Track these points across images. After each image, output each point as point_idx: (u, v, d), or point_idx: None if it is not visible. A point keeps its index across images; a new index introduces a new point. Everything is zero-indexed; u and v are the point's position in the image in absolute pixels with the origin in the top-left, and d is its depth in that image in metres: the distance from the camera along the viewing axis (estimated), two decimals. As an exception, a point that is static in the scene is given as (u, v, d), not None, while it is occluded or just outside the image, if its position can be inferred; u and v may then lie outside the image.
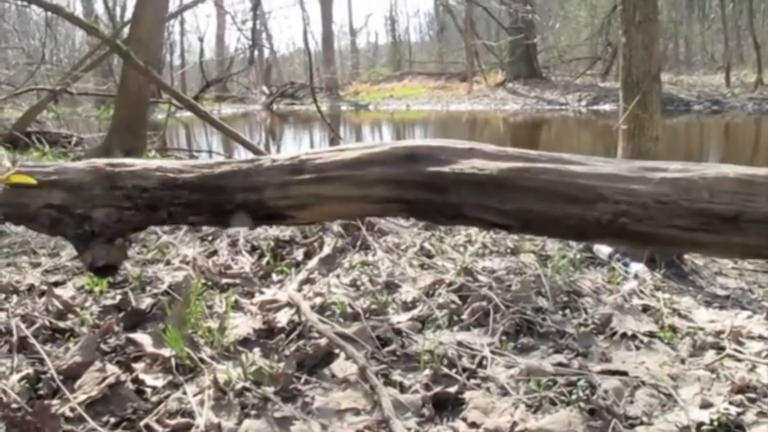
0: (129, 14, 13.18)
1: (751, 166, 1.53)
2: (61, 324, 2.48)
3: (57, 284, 2.93)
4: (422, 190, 1.67)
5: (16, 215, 1.97)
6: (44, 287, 2.82)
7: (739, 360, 2.29)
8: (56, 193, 1.88)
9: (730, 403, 1.99)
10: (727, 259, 3.96)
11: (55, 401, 1.94)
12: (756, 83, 18.80)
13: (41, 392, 2.00)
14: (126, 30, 8.67)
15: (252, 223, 1.91)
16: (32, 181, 1.83)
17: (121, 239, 1.90)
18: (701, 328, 2.59)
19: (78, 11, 22.39)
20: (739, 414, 1.94)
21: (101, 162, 1.95)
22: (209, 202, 1.86)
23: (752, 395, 2.04)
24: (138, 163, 1.94)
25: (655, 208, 1.47)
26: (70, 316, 2.58)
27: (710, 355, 2.33)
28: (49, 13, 9.98)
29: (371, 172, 1.72)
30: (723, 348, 2.37)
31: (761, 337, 2.50)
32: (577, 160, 1.62)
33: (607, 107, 18.32)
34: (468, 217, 1.67)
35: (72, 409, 1.90)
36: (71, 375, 2.06)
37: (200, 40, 22.64)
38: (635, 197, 1.49)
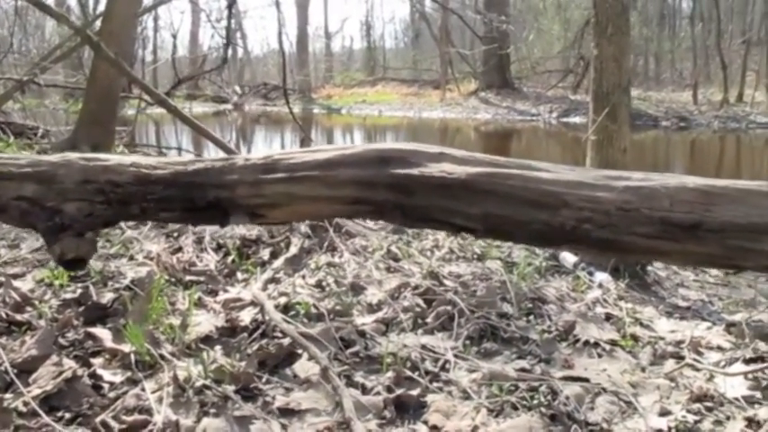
0: (101, 7, 13.01)
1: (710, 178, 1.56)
2: (18, 317, 2.43)
3: (15, 276, 2.87)
4: (391, 192, 1.68)
5: None
6: (2, 279, 2.76)
7: (698, 370, 2.32)
8: (28, 186, 1.87)
9: (688, 411, 2.02)
10: (685, 267, 4.02)
11: (8, 395, 1.89)
12: (722, 101, 19.19)
13: (-6, 386, 1.95)
14: (98, 23, 8.54)
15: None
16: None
17: (91, 233, 1.88)
18: (662, 338, 2.62)
19: (50, 2, 22.03)
20: (696, 422, 1.97)
21: (74, 156, 1.95)
22: (182, 199, 1.85)
23: (709, 404, 2.07)
24: (112, 158, 1.94)
25: (617, 215, 1.49)
26: (28, 309, 2.52)
27: (670, 365, 2.36)
28: (19, 2, 9.81)
29: (342, 173, 1.73)
30: (683, 358, 2.40)
31: (719, 348, 2.54)
32: (544, 167, 1.64)
33: (577, 119, 18.53)
34: (435, 220, 1.68)
35: (25, 404, 1.85)
36: (26, 369, 2.01)
37: (174, 36, 22.44)
38: (598, 204, 1.51)
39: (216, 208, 1.85)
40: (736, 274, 3.92)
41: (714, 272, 4.05)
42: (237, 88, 27.48)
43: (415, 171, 1.67)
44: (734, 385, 2.17)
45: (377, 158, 1.74)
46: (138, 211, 1.89)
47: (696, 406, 2.06)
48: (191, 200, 1.85)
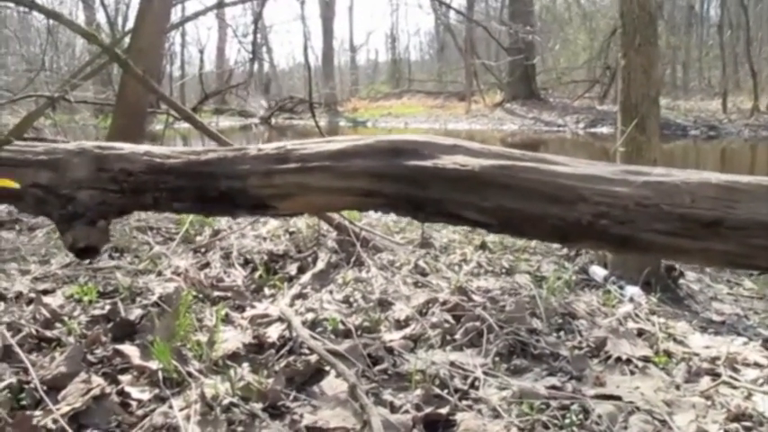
0: (130, 24, 13.20)
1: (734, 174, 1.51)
2: (48, 333, 2.44)
3: (45, 293, 2.89)
4: (403, 184, 1.65)
5: (3, 193, 1.95)
6: (32, 295, 2.78)
7: (735, 387, 2.26)
8: (43, 173, 1.89)
9: (726, 431, 1.96)
10: (718, 281, 3.94)
11: (37, 412, 1.90)
12: (752, 109, 18.91)
13: (24, 403, 1.96)
14: (127, 39, 8.67)
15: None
16: (14, 185, 1.80)
17: (104, 222, 1.89)
18: (697, 354, 2.56)
19: (80, 19, 22.44)
20: (735, 443, 1.92)
21: (89, 144, 1.96)
22: (194, 189, 1.84)
23: (747, 424, 2.01)
24: (126, 147, 1.94)
25: (636, 211, 1.45)
26: (57, 325, 2.53)
27: (706, 382, 2.30)
28: (51, 21, 9.98)
29: (354, 164, 1.70)
30: (719, 375, 2.34)
31: (756, 365, 2.47)
32: (561, 161, 1.60)
33: (604, 130, 18.38)
34: (448, 214, 1.65)
35: (54, 421, 1.86)
36: (55, 386, 2.02)
37: (201, 51, 22.78)
38: (616, 199, 1.47)
39: (228, 198, 1.83)
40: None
41: (749, 285, 3.96)
42: (264, 102, 27.69)
43: (428, 163, 1.63)
44: (773, 404, 2.10)
45: (390, 150, 1.71)
46: (150, 200, 1.89)
47: (734, 426, 2.00)
48: (203, 190, 1.84)
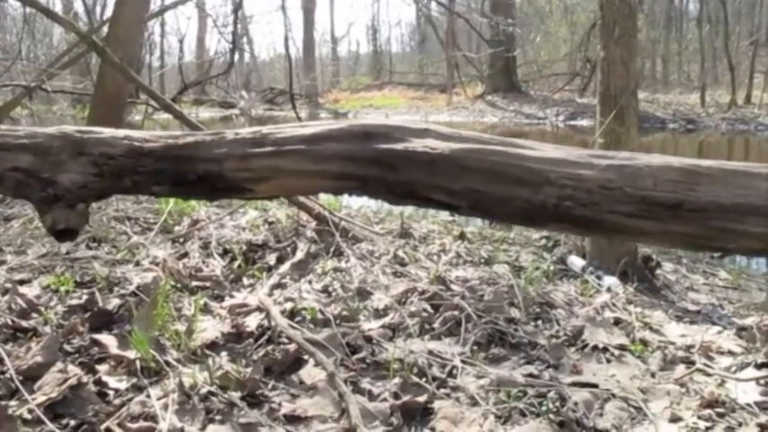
0: (108, 13, 13.05)
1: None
2: (24, 323, 2.42)
3: (22, 283, 2.86)
4: (374, 167, 1.68)
5: None
6: (8, 285, 2.75)
7: (709, 375, 2.30)
8: (23, 157, 1.88)
9: (699, 417, 1.99)
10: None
11: (13, 402, 1.88)
12: (730, 103, 19.10)
13: (-1, 393, 1.94)
14: (105, 29, 8.57)
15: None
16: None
17: (83, 205, 1.89)
18: (672, 343, 2.59)
19: (58, 8, 22.15)
20: (708, 428, 1.95)
21: (70, 128, 1.95)
22: (172, 172, 1.85)
23: (720, 410, 2.04)
24: (105, 131, 1.93)
25: (599, 193, 1.48)
26: (34, 315, 2.51)
27: (680, 370, 2.33)
28: (27, 9, 9.85)
29: (328, 147, 1.73)
30: (693, 363, 2.38)
31: (730, 353, 2.51)
32: (529, 145, 1.63)
33: (584, 122, 18.47)
34: (418, 196, 1.68)
35: (30, 411, 1.84)
36: (31, 376, 2.00)
37: (180, 41, 22.49)
38: (580, 182, 1.49)
39: (205, 182, 1.85)
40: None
41: (724, 275, 4.02)
42: (244, 93, 27.53)
43: (398, 146, 1.66)
44: (746, 391, 2.14)
45: (362, 134, 1.73)
46: (129, 183, 1.89)
47: (707, 412, 2.03)
48: (181, 173, 1.85)
